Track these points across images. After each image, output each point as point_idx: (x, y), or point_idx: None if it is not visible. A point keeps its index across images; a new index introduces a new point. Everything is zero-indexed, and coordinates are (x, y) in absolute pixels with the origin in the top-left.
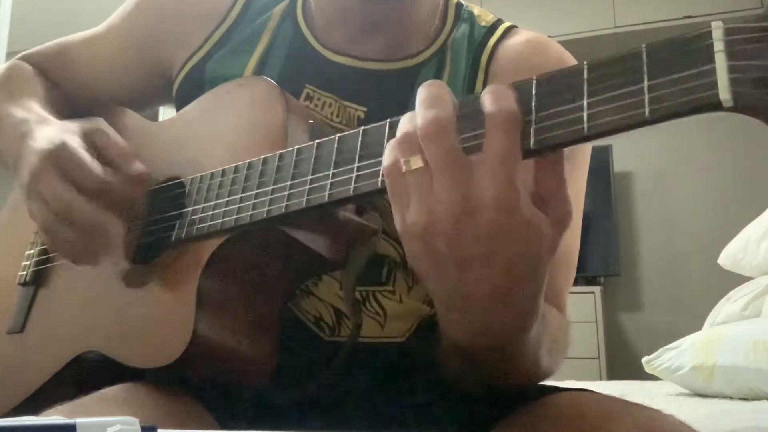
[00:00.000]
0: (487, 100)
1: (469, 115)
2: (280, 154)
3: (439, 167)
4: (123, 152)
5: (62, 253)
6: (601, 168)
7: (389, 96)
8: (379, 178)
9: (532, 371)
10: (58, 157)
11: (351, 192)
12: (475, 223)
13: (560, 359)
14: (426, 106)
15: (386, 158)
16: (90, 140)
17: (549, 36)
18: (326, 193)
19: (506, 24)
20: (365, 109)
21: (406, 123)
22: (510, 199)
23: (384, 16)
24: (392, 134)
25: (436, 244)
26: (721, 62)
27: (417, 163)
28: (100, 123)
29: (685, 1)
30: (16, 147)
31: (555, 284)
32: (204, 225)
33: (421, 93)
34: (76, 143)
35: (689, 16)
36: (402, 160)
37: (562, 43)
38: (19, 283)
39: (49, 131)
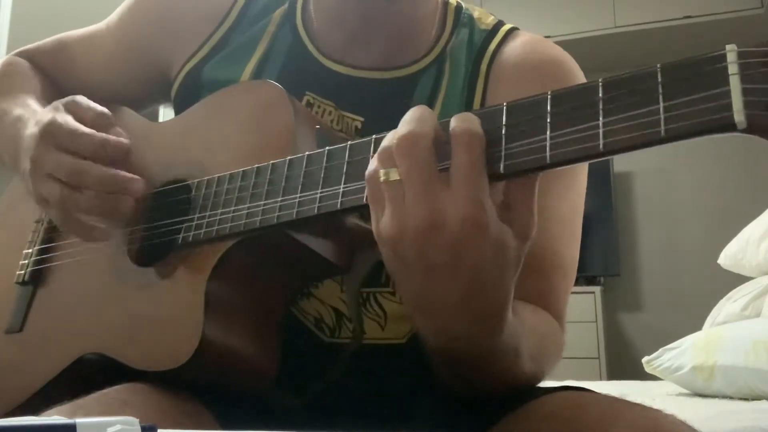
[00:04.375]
0: (452, 121)
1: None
2: (290, 161)
3: (409, 179)
4: (101, 116)
5: (81, 229)
6: (601, 168)
7: (386, 106)
8: None
9: (512, 376)
10: (51, 133)
11: (364, 200)
12: (441, 237)
13: (550, 364)
14: (404, 123)
15: (369, 166)
16: (70, 111)
17: (549, 36)
18: (338, 201)
19: (507, 27)
20: (362, 119)
21: (388, 137)
22: (476, 217)
23: (381, 16)
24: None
25: (404, 252)
26: (735, 85)
27: (394, 175)
28: (76, 96)
29: (685, 1)
30: (12, 145)
31: (550, 291)
32: (212, 228)
33: (406, 114)
34: (62, 116)
35: (689, 16)
36: (381, 171)
37: (563, 43)
38: (17, 282)
39: (37, 116)
